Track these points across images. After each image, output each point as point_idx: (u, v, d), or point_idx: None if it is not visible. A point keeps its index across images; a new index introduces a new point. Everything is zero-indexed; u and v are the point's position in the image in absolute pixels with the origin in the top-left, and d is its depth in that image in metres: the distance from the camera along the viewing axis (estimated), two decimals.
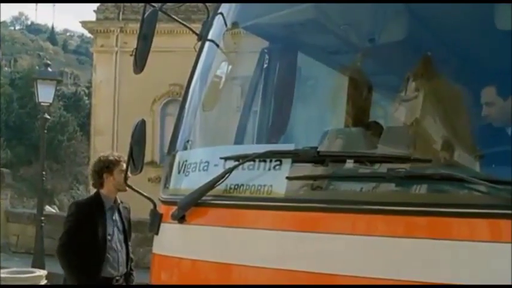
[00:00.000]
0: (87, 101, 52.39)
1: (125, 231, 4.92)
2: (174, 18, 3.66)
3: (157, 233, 3.23)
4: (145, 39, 3.50)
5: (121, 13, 18.57)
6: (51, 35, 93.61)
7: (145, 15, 3.52)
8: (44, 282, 8.18)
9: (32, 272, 8.42)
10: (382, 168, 2.56)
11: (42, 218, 11.69)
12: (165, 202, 3.25)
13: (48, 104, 11.74)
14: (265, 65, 4.09)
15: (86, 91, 55.33)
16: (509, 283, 2.06)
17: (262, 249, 2.68)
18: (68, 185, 43.35)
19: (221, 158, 2.94)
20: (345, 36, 3.96)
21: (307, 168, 2.67)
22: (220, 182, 2.83)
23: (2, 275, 8.02)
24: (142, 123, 3.48)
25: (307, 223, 2.57)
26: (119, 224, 4.89)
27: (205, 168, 3.04)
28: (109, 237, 4.74)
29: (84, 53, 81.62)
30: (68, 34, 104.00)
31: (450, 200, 2.28)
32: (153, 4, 3.53)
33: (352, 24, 3.81)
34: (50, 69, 12.08)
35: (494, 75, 3.30)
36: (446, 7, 3.21)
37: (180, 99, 14.57)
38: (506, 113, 2.98)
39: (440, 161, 2.49)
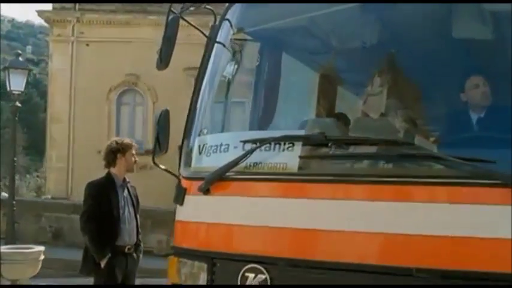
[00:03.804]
0: None
1: (134, 206, 5.60)
2: (190, 24, 4.15)
3: (181, 204, 3.84)
4: (169, 40, 4.05)
5: (77, 3, 18.85)
6: None
7: (168, 19, 4.06)
8: (42, 257, 8.66)
9: (31, 248, 8.90)
10: (371, 149, 3.32)
11: (14, 202, 12.07)
12: (188, 178, 3.85)
13: (19, 92, 12.19)
14: (257, 64, 4.75)
15: None
16: (470, 233, 2.85)
17: (279, 213, 3.33)
18: (1, 174, 42.38)
19: (241, 141, 3.57)
20: (325, 40, 4.65)
21: (315, 150, 3.39)
22: (242, 160, 3.47)
23: (2, 250, 8.52)
24: (167, 112, 4.08)
25: (315, 192, 3.25)
26: (129, 200, 5.57)
27: (226, 149, 3.65)
28: (121, 211, 5.42)
29: (15, 38, 78.95)
30: None
31: (431, 173, 3.02)
32: (174, 11, 4.09)
33: (332, 31, 4.48)
34: (20, 59, 12.54)
35: (448, 73, 4.01)
36: (410, 16, 3.88)
37: (136, 88, 15.32)
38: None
39: (422, 144, 3.24)
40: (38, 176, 32.83)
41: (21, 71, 12.15)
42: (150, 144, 14.56)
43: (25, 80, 12.22)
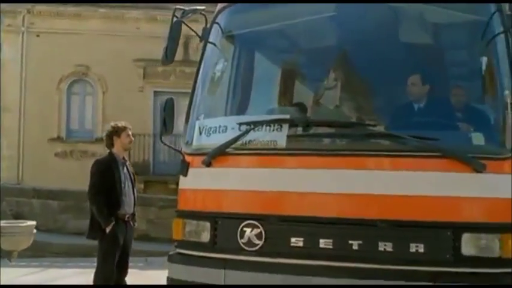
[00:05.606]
0: None
1: (132, 182, 6.44)
2: (190, 28, 4.84)
3: (185, 175, 4.60)
4: (173, 40, 4.74)
5: None
6: None
7: (173, 22, 4.73)
8: (34, 231, 9.29)
9: (24, 222, 9.52)
10: (342, 130, 4.26)
11: None
12: (191, 154, 4.62)
13: None
14: (235, 61, 5.51)
15: None
16: (419, 192, 3.86)
17: (269, 179, 4.20)
18: None
19: (238, 123, 4.35)
20: (292, 42, 5.40)
21: (299, 130, 4.28)
22: (240, 139, 4.28)
23: (2, 224, 9.08)
24: (172, 100, 4.78)
25: (300, 163, 4.15)
26: (128, 176, 6.39)
27: (224, 130, 4.44)
28: (123, 185, 6.24)
29: None
30: None
31: (390, 147, 4.00)
32: (177, 15, 4.79)
33: (298, 35, 5.19)
34: None
35: (394, 70, 4.70)
36: (364, 23, 4.65)
37: (86, 78, 16.21)
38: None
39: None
40: None
41: None
42: (99, 133, 15.03)
43: None
